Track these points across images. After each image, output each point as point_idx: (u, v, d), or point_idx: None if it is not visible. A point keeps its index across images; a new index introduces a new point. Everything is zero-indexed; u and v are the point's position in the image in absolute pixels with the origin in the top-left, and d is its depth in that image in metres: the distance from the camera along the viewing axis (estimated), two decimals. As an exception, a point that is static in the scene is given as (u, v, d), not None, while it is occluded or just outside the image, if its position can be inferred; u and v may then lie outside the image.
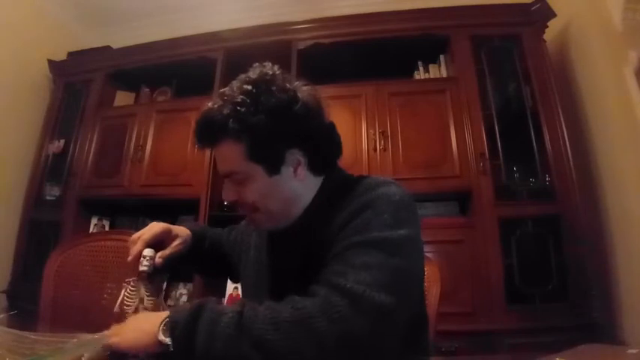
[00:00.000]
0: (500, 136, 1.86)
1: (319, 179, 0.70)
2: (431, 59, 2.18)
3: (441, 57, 2.15)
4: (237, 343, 0.49)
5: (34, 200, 2.37)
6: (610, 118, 1.79)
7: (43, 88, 2.60)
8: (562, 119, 1.82)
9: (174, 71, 2.48)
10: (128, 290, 0.69)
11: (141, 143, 2.25)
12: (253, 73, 0.66)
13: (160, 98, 2.55)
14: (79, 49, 2.69)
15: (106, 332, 0.59)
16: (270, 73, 0.66)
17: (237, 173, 0.65)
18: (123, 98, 2.60)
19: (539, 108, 1.86)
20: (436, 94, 1.99)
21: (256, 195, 0.65)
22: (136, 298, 0.69)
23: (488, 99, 1.93)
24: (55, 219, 2.27)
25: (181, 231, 0.80)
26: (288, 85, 0.65)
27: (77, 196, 2.28)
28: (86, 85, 2.52)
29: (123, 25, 2.92)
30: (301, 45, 2.17)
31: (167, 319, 0.53)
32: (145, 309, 0.68)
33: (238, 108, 0.61)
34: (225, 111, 0.62)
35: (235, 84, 0.65)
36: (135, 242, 0.72)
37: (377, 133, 1.95)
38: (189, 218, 2.25)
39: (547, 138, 1.82)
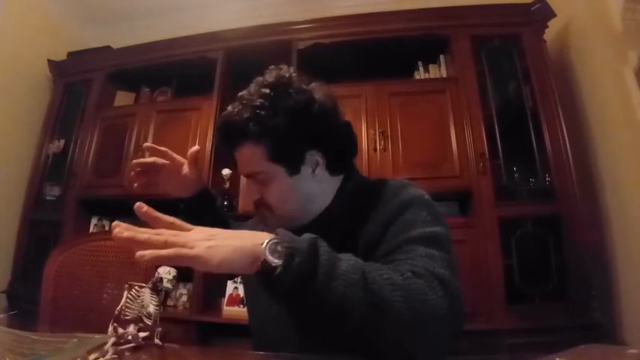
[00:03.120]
0: (500, 136, 1.86)
1: (337, 179, 0.72)
2: (431, 59, 2.18)
3: (441, 57, 2.15)
4: (358, 291, 0.45)
5: (34, 200, 2.37)
6: (610, 118, 1.79)
7: (43, 88, 2.60)
8: (562, 119, 1.82)
9: (174, 71, 2.47)
10: (132, 293, 0.69)
11: (141, 143, 2.25)
12: (270, 76, 0.67)
13: (160, 98, 2.55)
14: (79, 49, 2.69)
15: (180, 233, 0.47)
16: (287, 75, 0.68)
17: (260, 173, 0.66)
18: (123, 98, 2.60)
19: (539, 108, 1.86)
20: (436, 94, 1.99)
21: (278, 194, 0.67)
22: (138, 303, 0.69)
23: (488, 99, 1.93)
24: (55, 219, 2.27)
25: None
26: (304, 87, 0.67)
27: (77, 196, 2.28)
28: (86, 85, 2.52)
29: (123, 25, 2.92)
30: (301, 45, 2.17)
31: (277, 243, 0.46)
32: (142, 315, 0.68)
33: (257, 111, 0.63)
34: (245, 114, 0.64)
35: (253, 87, 0.67)
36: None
37: (377, 133, 1.95)
38: (189, 218, 2.25)
39: (547, 138, 1.82)
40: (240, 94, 0.68)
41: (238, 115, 0.65)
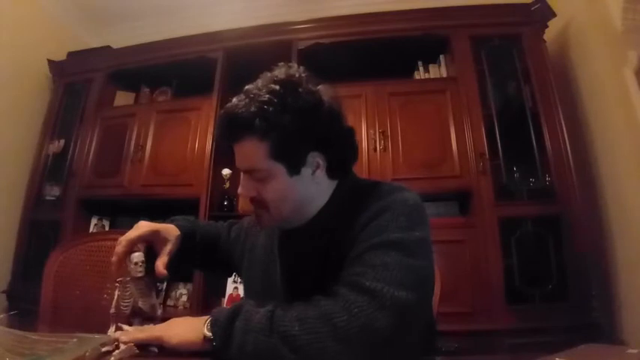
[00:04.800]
0: (500, 136, 1.86)
1: (333, 182, 0.72)
2: (431, 59, 2.18)
3: (441, 57, 2.15)
4: (268, 337, 0.52)
5: (34, 200, 2.37)
6: (610, 118, 1.79)
7: (43, 88, 2.60)
8: (562, 119, 1.82)
9: (174, 71, 2.48)
10: (121, 291, 0.70)
11: (141, 143, 2.25)
12: (280, 73, 0.66)
13: (160, 98, 2.55)
14: (79, 49, 2.68)
15: (154, 326, 0.63)
16: (297, 75, 0.66)
17: (259, 171, 0.65)
18: (123, 98, 2.60)
19: (539, 108, 1.86)
20: (436, 94, 1.99)
21: (275, 193, 0.66)
22: (130, 298, 0.69)
23: (488, 99, 1.93)
24: (55, 219, 2.27)
25: (170, 232, 0.78)
26: (313, 88, 0.66)
27: (77, 196, 2.28)
28: (86, 85, 2.52)
29: (123, 25, 2.92)
30: (301, 45, 2.17)
31: (210, 318, 0.58)
32: (140, 309, 0.69)
33: (265, 107, 0.62)
34: (252, 109, 0.62)
35: (261, 82, 0.65)
36: (120, 243, 0.71)
37: (377, 133, 1.95)
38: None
39: (547, 138, 1.82)
40: (247, 87, 0.66)
41: (244, 109, 0.62)
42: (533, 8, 1.96)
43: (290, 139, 0.63)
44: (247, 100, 0.63)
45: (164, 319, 0.66)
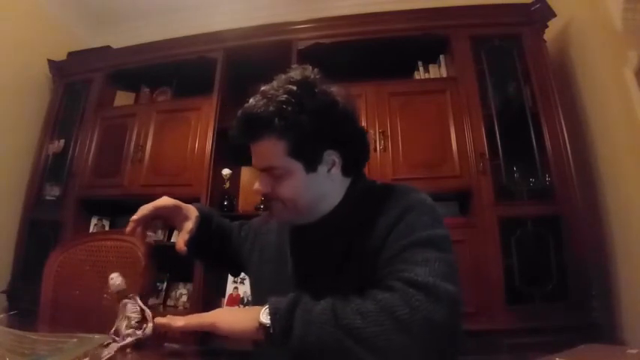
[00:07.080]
0: (500, 136, 1.86)
1: (347, 181, 0.74)
2: (431, 59, 2.18)
3: (441, 57, 2.15)
4: (331, 329, 0.52)
5: (34, 200, 2.37)
6: (610, 118, 1.79)
7: (43, 88, 2.60)
8: (562, 119, 1.82)
9: (174, 71, 2.48)
10: (120, 320, 0.69)
11: (141, 143, 2.25)
12: (295, 74, 0.68)
13: (160, 98, 2.55)
14: (79, 49, 2.69)
15: (205, 314, 0.62)
16: (312, 76, 0.69)
17: (277, 168, 0.67)
18: (123, 98, 2.60)
19: (539, 108, 1.86)
20: (436, 94, 1.99)
21: (291, 190, 0.68)
22: (124, 318, 0.69)
23: (488, 99, 1.93)
24: (55, 219, 2.27)
25: (190, 211, 0.79)
26: (328, 89, 0.69)
27: (77, 196, 2.28)
28: (86, 85, 2.52)
29: (123, 25, 2.92)
30: (301, 45, 2.17)
31: (268, 307, 0.57)
32: (132, 327, 0.68)
33: (284, 106, 0.64)
34: (271, 108, 0.64)
35: (277, 83, 0.68)
36: (142, 209, 0.72)
37: (377, 133, 1.95)
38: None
39: (547, 138, 1.82)
40: (263, 88, 0.68)
41: (263, 108, 0.65)
42: (533, 8, 1.96)
43: (307, 138, 0.65)
44: (265, 100, 0.65)
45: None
